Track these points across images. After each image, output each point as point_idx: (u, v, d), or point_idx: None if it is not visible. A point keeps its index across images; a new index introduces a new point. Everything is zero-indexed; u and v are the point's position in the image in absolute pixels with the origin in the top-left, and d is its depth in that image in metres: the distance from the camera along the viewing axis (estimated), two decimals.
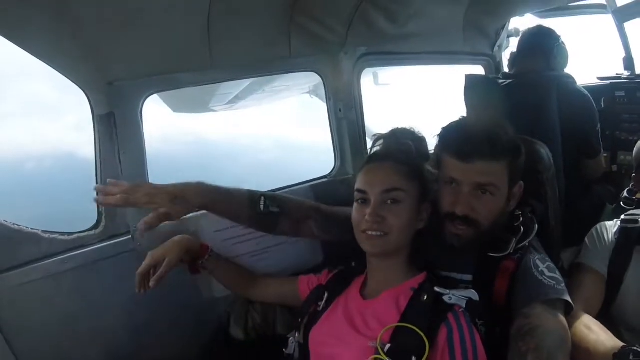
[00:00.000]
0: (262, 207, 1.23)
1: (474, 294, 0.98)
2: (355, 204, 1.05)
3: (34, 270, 1.20)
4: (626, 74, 2.30)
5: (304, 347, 1.11)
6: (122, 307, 1.31)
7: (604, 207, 1.88)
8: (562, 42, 1.84)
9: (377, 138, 1.15)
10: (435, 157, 1.14)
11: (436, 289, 0.98)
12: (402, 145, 1.09)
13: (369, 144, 1.22)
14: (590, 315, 1.11)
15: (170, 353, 1.40)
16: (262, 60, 1.53)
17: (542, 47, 1.81)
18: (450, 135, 1.12)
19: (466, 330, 0.92)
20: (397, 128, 1.16)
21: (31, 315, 1.20)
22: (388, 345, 0.90)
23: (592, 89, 2.20)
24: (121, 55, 1.23)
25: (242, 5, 1.32)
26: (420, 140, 1.14)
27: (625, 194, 1.46)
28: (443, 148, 1.11)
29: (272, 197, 1.25)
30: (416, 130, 1.16)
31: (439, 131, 1.16)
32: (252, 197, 1.22)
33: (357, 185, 1.05)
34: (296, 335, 1.14)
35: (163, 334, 1.40)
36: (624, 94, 2.18)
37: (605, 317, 1.19)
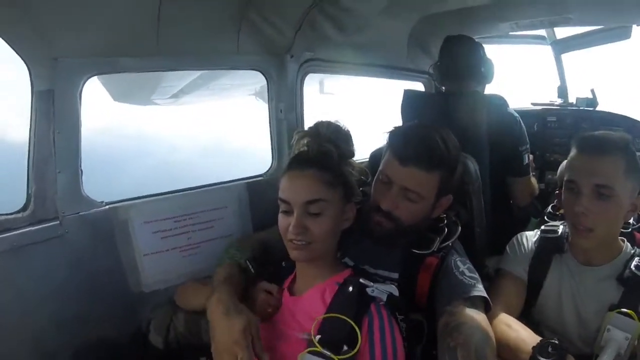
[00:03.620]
0: (252, 270, 1.34)
1: (394, 289, 1.11)
2: (280, 213, 1.14)
3: None
4: (559, 101, 2.75)
5: None
6: (50, 297, 1.38)
7: (529, 220, 2.16)
8: (485, 53, 2.02)
9: (301, 136, 1.23)
10: (377, 154, 1.30)
11: (361, 280, 1.11)
12: (323, 148, 1.17)
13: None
14: (512, 316, 1.26)
15: (95, 346, 1.47)
16: (209, 53, 1.68)
17: (467, 62, 1.98)
18: (398, 136, 1.29)
19: (386, 320, 1.06)
20: (321, 122, 1.24)
21: None
22: (318, 337, 1.01)
23: (526, 113, 2.59)
24: (67, 32, 1.31)
25: None
26: (344, 139, 1.23)
27: (549, 209, 1.61)
28: (389, 146, 1.29)
29: (252, 258, 1.35)
30: (342, 125, 1.25)
31: (390, 129, 1.31)
32: (241, 266, 1.32)
33: (281, 194, 1.13)
34: None
35: (90, 325, 1.47)
36: (555, 119, 2.60)
37: (528, 320, 1.36)
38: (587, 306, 1.30)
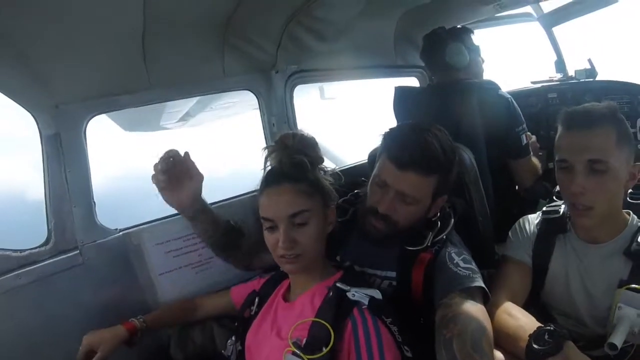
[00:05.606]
0: (232, 222, 1.49)
1: (377, 293, 1.13)
2: (265, 231, 1.17)
3: None
4: (558, 76, 2.70)
5: (241, 352, 1.28)
6: (77, 320, 1.50)
7: (537, 203, 2.13)
8: (455, 41, 2.03)
9: (270, 151, 1.24)
10: (376, 154, 1.34)
11: (337, 284, 1.15)
12: (295, 159, 1.18)
13: None
14: (518, 303, 1.25)
15: None
16: (197, 80, 1.78)
17: (439, 56, 2.03)
18: (393, 139, 1.30)
19: (370, 323, 1.07)
20: (286, 135, 1.25)
21: None
22: (305, 339, 1.07)
23: (526, 93, 2.57)
24: (65, 79, 1.45)
25: (174, 28, 1.53)
26: (311, 147, 1.24)
27: (558, 188, 1.50)
28: (384, 149, 1.30)
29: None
30: (305, 133, 1.27)
31: (384, 131, 1.33)
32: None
33: (262, 212, 1.16)
34: (233, 338, 1.32)
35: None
36: (556, 96, 2.55)
37: (536, 305, 1.38)
38: (595, 285, 1.28)
